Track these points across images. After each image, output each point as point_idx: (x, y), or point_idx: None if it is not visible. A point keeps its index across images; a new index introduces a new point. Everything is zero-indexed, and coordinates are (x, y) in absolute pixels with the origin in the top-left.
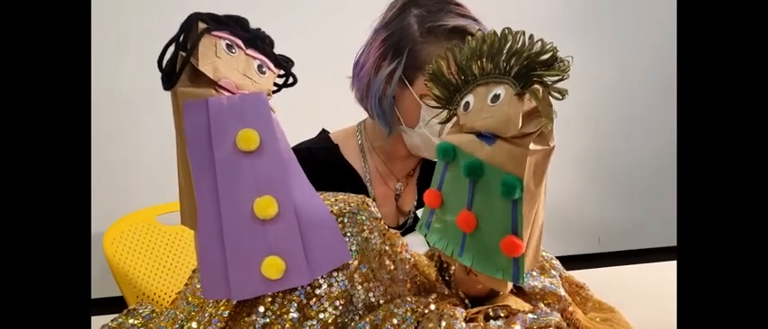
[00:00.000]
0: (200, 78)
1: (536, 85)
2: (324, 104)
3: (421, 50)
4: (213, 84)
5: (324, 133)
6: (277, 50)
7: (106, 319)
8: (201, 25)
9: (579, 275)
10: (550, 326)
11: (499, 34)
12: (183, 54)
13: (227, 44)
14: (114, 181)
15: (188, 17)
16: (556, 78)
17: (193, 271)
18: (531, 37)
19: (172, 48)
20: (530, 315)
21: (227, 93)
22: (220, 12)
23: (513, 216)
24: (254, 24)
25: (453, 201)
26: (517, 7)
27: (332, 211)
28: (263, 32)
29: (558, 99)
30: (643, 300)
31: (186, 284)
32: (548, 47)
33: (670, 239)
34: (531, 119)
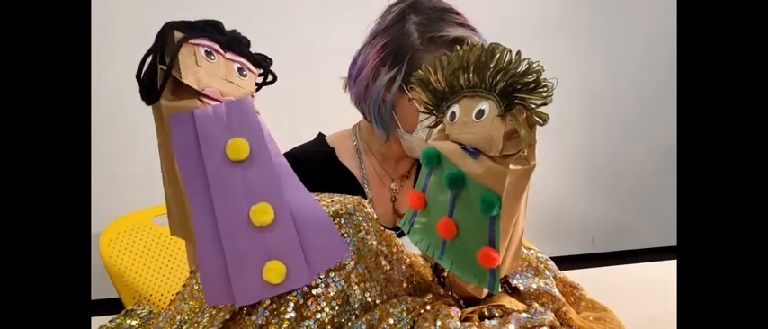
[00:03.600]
0: (182, 89)
1: (518, 108)
2: (321, 106)
3: (421, 59)
4: (197, 93)
5: (320, 137)
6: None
7: (103, 320)
8: (177, 34)
9: (572, 275)
10: (544, 325)
11: (487, 48)
12: (163, 67)
13: (206, 51)
14: (110, 182)
15: (162, 27)
16: (539, 103)
17: (191, 272)
18: (517, 54)
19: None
20: (524, 315)
21: (211, 102)
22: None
23: (491, 230)
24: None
25: (435, 206)
26: (509, 6)
27: (328, 212)
28: (239, 34)
29: (540, 124)
30: (636, 300)
31: (184, 285)
32: (533, 67)
33: (663, 240)
34: (511, 140)
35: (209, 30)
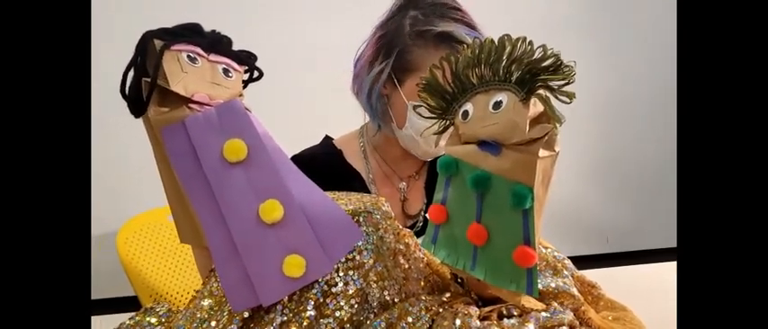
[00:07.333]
0: (169, 97)
1: (542, 90)
2: (322, 106)
3: (408, 53)
4: (184, 100)
5: (327, 139)
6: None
7: (120, 318)
8: (157, 43)
9: (588, 275)
10: (563, 325)
11: (497, 41)
12: (147, 79)
13: (189, 56)
14: (126, 180)
15: (141, 37)
16: (562, 82)
17: (210, 271)
18: (530, 43)
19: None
20: (543, 314)
21: (200, 108)
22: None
23: (525, 225)
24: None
25: (460, 215)
26: (519, 6)
27: (347, 211)
28: (219, 34)
29: (567, 103)
30: (651, 299)
31: (203, 283)
32: (549, 52)
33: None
34: (536, 124)
35: (189, 34)
